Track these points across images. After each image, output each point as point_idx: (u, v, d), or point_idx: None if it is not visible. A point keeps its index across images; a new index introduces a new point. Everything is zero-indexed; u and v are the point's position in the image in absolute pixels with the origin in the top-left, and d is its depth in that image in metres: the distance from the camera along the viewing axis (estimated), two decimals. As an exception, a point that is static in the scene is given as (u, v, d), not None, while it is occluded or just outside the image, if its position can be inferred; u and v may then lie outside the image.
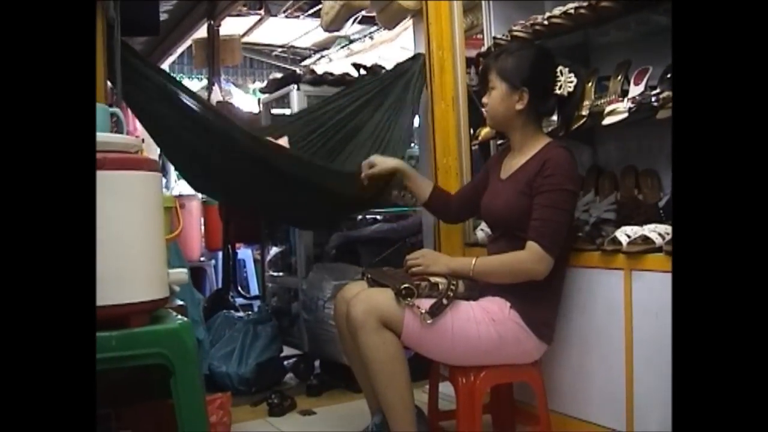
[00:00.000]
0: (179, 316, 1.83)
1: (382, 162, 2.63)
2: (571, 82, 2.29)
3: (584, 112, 2.49)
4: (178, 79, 3.00)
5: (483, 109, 2.34)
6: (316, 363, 3.48)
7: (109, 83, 2.62)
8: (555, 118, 2.54)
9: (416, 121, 3.27)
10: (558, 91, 2.29)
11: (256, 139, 2.86)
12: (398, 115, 3.06)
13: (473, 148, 3.12)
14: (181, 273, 1.81)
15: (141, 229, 1.67)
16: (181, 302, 2.09)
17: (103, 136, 1.70)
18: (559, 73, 2.29)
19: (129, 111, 2.83)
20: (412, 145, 3.84)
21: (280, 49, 8.59)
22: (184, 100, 2.70)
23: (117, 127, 1.90)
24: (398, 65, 3.23)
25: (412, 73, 3.10)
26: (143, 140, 2.77)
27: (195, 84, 7.74)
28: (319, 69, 4.07)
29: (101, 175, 1.59)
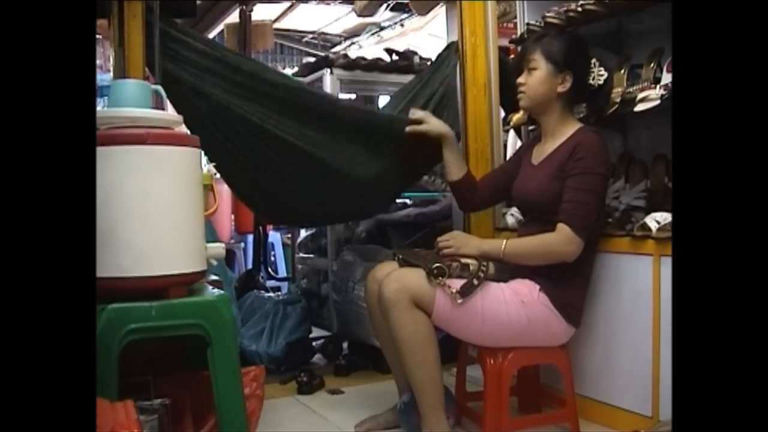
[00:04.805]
0: (216, 290, 1.87)
1: (433, 124, 2.58)
2: (602, 75, 2.35)
3: (616, 99, 2.50)
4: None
5: (520, 89, 2.31)
6: (345, 344, 3.51)
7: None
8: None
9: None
10: (590, 82, 2.32)
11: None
12: (446, 104, 3.02)
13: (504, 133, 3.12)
14: (219, 247, 1.85)
15: (181, 203, 1.71)
16: (216, 277, 2.14)
17: (145, 112, 1.75)
18: (593, 65, 2.32)
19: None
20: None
21: (310, 36, 8.60)
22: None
23: (158, 104, 1.94)
24: (438, 56, 3.20)
25: (450, 60, 3.09)
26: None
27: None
28: (350, 55, 4.09)
29: (144, 150, 1.66)
